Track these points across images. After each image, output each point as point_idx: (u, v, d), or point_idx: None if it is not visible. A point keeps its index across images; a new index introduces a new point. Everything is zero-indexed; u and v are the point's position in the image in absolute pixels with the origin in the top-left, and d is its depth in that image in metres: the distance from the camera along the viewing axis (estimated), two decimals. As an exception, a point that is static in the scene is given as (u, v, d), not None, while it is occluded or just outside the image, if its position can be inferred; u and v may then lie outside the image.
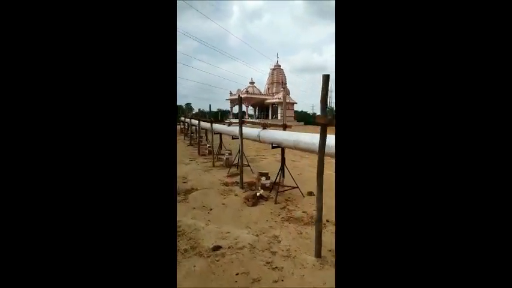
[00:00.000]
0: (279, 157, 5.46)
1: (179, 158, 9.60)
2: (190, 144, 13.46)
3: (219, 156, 9.01)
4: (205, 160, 9.28)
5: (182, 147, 12.70)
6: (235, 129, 7.43)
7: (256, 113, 45.38)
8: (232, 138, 7.58)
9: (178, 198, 4.92)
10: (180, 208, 4.34)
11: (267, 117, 40.94)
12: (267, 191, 5.22)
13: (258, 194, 4.81)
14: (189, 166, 8.15)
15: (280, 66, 44.77)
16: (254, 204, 4.51)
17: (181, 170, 7.52)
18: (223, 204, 4.59)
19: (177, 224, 3.64)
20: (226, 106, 46.76)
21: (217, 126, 9.07)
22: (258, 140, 5.71)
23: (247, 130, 6.19)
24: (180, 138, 17.12)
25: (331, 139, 2.67)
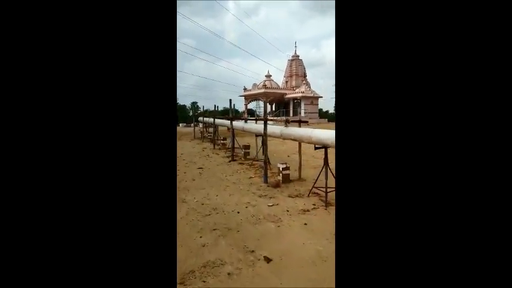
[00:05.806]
0: None
1: (236, 195, 5.13)
2: (233, 160, 8.96)
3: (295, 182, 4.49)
4: (295, 198, 4.80)
5: (223, 164, 8.20)
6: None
7: (273, 109, 40.51)
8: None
9: None
10: None
11: (287, 114, 36.00)
12: None
13: None
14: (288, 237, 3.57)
15: (298, 56, 39.81)
16: None
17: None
18: None
19: None
20: (232, 104, 41.76)
21: (320, 134, 4.56)
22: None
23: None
24: (206, 146, 12.64)
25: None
